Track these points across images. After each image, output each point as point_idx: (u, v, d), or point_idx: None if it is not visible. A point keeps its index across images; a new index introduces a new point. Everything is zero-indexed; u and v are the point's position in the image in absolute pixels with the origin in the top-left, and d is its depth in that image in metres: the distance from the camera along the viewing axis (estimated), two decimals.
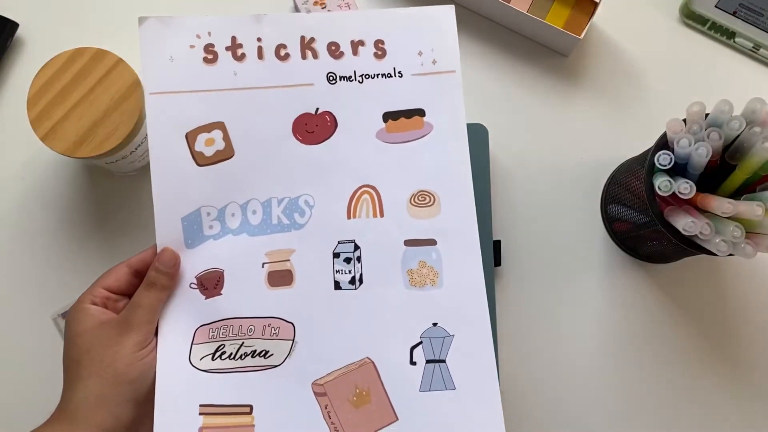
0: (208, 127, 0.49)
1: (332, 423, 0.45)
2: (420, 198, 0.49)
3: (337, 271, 0.48)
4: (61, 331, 0.59)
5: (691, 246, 0.50)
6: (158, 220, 0.47)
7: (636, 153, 0.59)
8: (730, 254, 0.47)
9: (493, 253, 0.59)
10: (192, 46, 0.49)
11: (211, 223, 0.48)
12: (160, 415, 0.44)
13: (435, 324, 0.47)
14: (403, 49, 0.50)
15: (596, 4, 0.63)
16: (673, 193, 0.48)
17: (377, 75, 0.50)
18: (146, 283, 0.46)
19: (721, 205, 0.46)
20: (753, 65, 0.67)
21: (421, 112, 0.50)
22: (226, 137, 0.49)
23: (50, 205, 0.61)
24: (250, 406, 0.45)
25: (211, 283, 0.47)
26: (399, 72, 0.50)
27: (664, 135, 0.50)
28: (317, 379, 0.46)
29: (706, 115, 0.49)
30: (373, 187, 0.49)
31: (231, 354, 0.46)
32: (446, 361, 0.46)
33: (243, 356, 0.46)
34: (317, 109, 0.50)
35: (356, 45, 0.50)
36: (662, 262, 0.62)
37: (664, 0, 0.67)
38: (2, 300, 0.60)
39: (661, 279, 0.62)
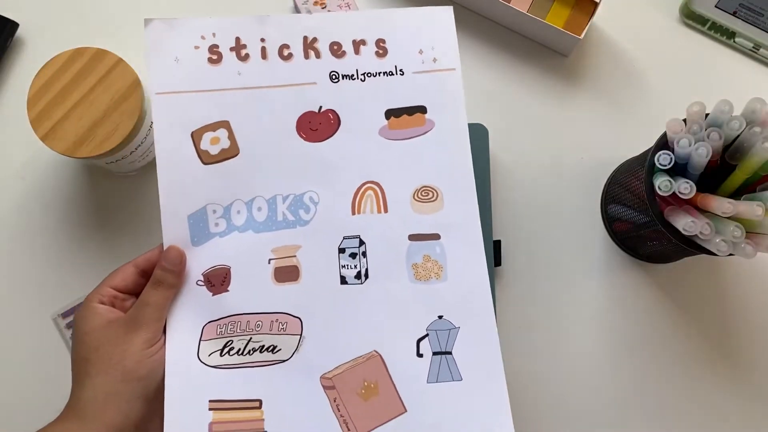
0: (213, 126, 0.50)
1: (341, 416, 0.46)
2: (423, 193, 0.50)
3: (343, 266, 0.48)
4: (61, 331, 0.59)
5: (691, 246, 0.50)
6: (164, 218, 0.48)
7: (636, 153, 0.59)
8: (730, 254, 0.47)
9: (493, 253, 0.59)
10: (197, 47, 0.50)
11: (217, 220, 0.49)
12: (170, 412, 0.45)
13: (440, 316, 0.48)
14: (403, 48, 0.52)
15: (596, 4, 0.63)
16: (673, 193, 0.48)
17: (379, 73, 0.51)
18: (153, 281, 0.46)
19: (721, 205, 0.46)
20: (753, 65, 0.67)
21: (422, 109, 0.51)
22: (231, 136, 0.50)
23: (50, 205, 0.62)
24: (260, 401, 0.46)
25: (218, 280, 0.48)
26: (400, 70, 0.51)
27: (664, 135, 0.50)
28: (325, 373, 0.47)
29: (706, 115, 0.49)
30: (377, 183, 0.50)
31: (239, 350, 0.47)
32: (452, 352, 0.47)
33: (251, 352, 0.47)
34: (320, 107, 0.51)
35: (358, 44, 0.51)
36: (662, 262, 0.62)
37: (664, 0, 0.67)
38: (2, 300, 0.60)
39: (661, 279, 0.62)
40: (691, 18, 0.67)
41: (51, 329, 0.60)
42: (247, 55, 0.50)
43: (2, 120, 0.63)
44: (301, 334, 0.47)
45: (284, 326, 0.47)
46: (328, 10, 0.63)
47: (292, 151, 0.50)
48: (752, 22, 0.65)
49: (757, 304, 0.62)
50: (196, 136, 0.49)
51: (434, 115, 0.51)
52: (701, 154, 0.47)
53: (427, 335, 0.47)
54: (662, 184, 0.48)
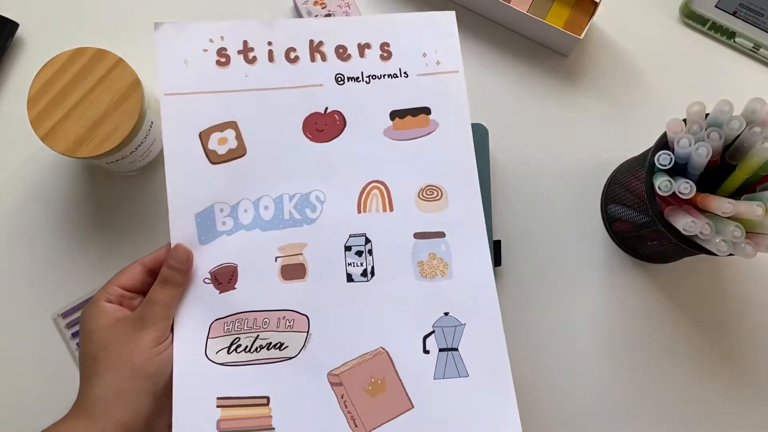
0: (220, 127, 0.50)
1: (348, 412, 0.46)
2: (428, 192, 0.51)
3: (349, 264, 0.49)
4: (61, 331, 0.59)
5: (691, 246, 0.50)
6: (172, 217, 0.49)
7: (636, 153, 0.59)
8: (730, 254, 0.48)
9: (493, 253, 0.59)
10: (205, 50, 0.51)
11: (224, 219, 0.49)
12: (178, 409, 0.45)
13: (446, 313, 0.49)
14: (407, 51, 0.53)
15: (596, 4, 0.63)
16: (673, 193, 0.48)
17: (384, 75, 0.52)
18: (160, 279, 0.47)
19: (721, 205, 0.46)
20: (753, 65, 0.67)
21: (426, 111, 0.52)
22: (239, 136, 0.51)
23: (50, 205, 0.62)
24: (267, 398, 0.47)
25: (225, 278, 0.48)
26: (405, 72, 0.52)
27: (664, 135, 0.51)
28: (332, 370, 0.47)
29: (706, 115, 0.49)
30: (382, 183, 0.51)
31: (246, 347, 0.47)
32: (459, 349, 0.48)
33: (258, 349, 0.47)
34: (326, 108, 0.52)
35: (363, 48, 0.53)
36: (662, 262, 0.62)
37: (664, 0, 0.67)
38: (2, 300, 0.60)
39: (661, 279, 0.62)
40: (691, 18, 0.67)
41: (51, 329, 0.60)
42: (254, 58, 0.52)
43: (2, 120, 0.64)
44: (308, 331, 0.48)
45: (291, 323, 0.48)
46: (329, 10, 0.63)
47: (299, 151, 0.51)
48: (752, 22, 0.66)
49: (757, 304, 0.62)
50: (204, 137, 0.50)
51: (438, 116, 0.52)
52: (701, 154, 0.47)
53: (433, 332, 0.48)
54: (662, 184, 0.48)
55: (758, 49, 0.66)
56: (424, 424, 0.46)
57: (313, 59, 0.52)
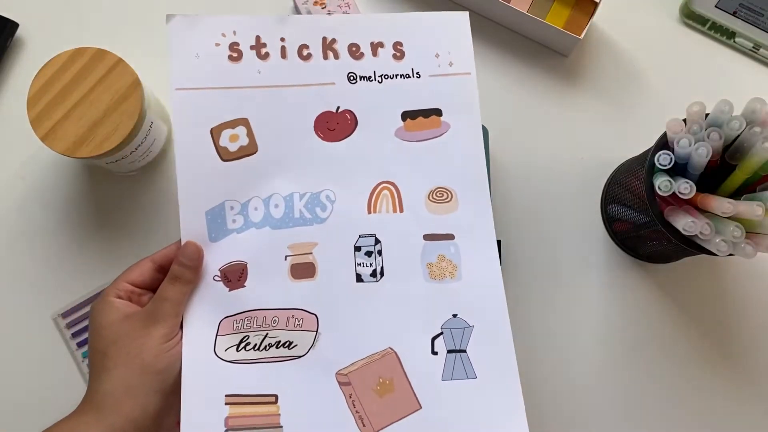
0: (232, 123, 0.51)
1: (357, 411, 0.47)
2: (438, 194, 0.51)
3: (359, 264, 0.50)
4: (61, 331, 0.60)
5: (691, 246, 0.50)
6: (183, 213, 0.49)
7: (636, 153, 0.59)
8: (730, 254, 0.48)
9: None
10: (217, 45, 0.51)
11: (235, 216, 0.50)
12: (187, 405, 0.46)
13: (455, 315, 0.49)
14: (420, 51, 0.53)
15: (596, 4, 0.63)
16: (673, 193, 0.48)
17: (396, 75, 0.53)
18: (170, 276, 0.48)
19: (721, 205, 0.46)
20: (753, 65, 0.67)
21: (438, 112, 0.52)
22: (250, 133, 0.51)
23: (50, 205, 0.62)
24: (276, 396, 0.47)
25: (234, 276, 0.49)
26: (417, 73, 0.53)
27: (664, 135, 0.51)
28: (341, 369, 0.48)
29: (706, 115, 0.49)
30: (393, 183, 0.51)
31: (255, 345, 0.48)
32: (467, 350, 0.49)
33: (267, 347, 0.48)
34: (338, 107, 0.52)
35: (376, 46, 0.53)
36: (662, 262, 0.62)
37: (664, 0, 0.68)
38: (2, 300, 0.61)
39: (661, 279, 0.63)
40: (691, 18, 0.67)
41: (51, 329, 0.60)
42: (267, 54, 0.52)
43: (2, 120, 0.64)
44: (317, 331, 0.48)
45: (300, 322, 0.48)
46: (329, 10, 0.63)
47: (310, 149, 0.51)
48: (752, 22, 0.66)
49: (757, 304, 0.63)
50: (215, 133, 0.51)
51: (450, 118, 0.52)
52: (701, 154, 0.47)
53: (441, 333, 0.49)
54: (662, 184, 0.48)
55: (758, 49, 0.67)
56: (432, 425, 0.47)
57: (325, 57, 0.52)
